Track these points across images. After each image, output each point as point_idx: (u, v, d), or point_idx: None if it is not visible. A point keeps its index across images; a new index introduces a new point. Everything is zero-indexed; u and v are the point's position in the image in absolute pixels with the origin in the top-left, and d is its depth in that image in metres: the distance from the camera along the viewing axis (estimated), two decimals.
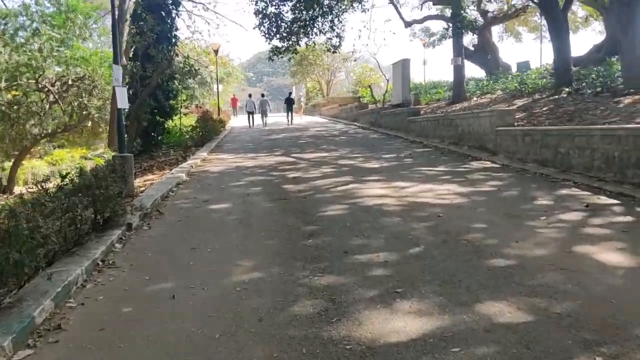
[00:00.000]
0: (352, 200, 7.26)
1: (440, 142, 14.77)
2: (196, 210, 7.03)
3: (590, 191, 7.31)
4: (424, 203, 6.92)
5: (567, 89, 15.43)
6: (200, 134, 17.20)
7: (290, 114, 29.51)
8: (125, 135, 9.66)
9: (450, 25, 22.86)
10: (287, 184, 8.87)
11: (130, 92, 15.73)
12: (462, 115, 13.82)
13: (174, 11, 16.45)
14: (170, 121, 17.73)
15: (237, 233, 5.73)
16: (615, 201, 6.65)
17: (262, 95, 33.50)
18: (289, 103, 29.81)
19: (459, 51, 22.76)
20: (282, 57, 24.97)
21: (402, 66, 22.97)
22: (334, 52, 26.33)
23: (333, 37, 26.03)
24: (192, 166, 11.07)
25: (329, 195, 7.74)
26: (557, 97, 15.61)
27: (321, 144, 16.44)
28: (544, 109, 14.65)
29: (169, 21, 16.20)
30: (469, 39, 35.44)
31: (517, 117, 12.83)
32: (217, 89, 25.44)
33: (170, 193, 8.20)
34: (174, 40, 16.76)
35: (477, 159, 11.30)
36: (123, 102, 7.88)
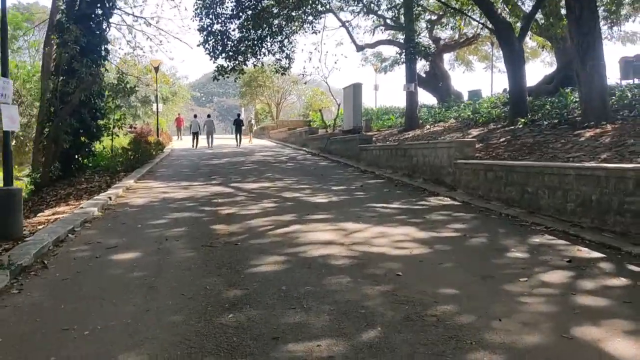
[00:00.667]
0: (292, 249, 5.98)
1: (394, 172, 13.77)
2: (93, 262, 5.55)
3: (567, 240, 6.31)
4: (379, 254, 5.72)
5: (523, 120, 14.84)
6: (132, 157, 15.57)
7: (238, 135, 29.38)
8: (42, 158, 8.21)
9: (403, 50, 22.24)
10: (218, 223, 7.51)
11: (51, 110, 14.06)
12: (417, 146, 12.88)
13: (105, 22, 14.91)
14: (98, 143, 16.01)
15: (136, 301, 4.33)
16: (600, 254, 5.65)
17: (208, 116, 32.98)
18: (238, 124, 29.81)
19: (412, 77, 22.13)
20: (227, 77, 23.64)
21: (354, 91, 22.10)
22: (282, 73, 25.23)
23: (282, 58, 24.98)
24: (110, 197, 9.51)
25: (265, 240, 6.44)
26: (513, 127, 14.98)
27: (266, 171, 15.15)
28: (501, 140, 13.93)
29: (98, 32, 14.64)
30: (421, 66, 35.19)
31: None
32: (157, 108, 23.80)
33: (70, 235, 6.67)
34: (104, 53, 15.18)
35: (434, 194, 10.29)
36: (11, 123, 6.35)
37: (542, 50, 31.75)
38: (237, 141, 29.09)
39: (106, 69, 16.16)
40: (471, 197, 9.62)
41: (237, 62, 23.74)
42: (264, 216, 8.01)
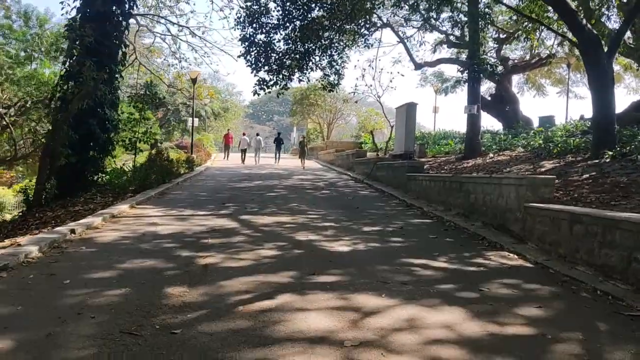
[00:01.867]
0: (256, 351, 3.63)
1: (446, 210, 11.19)
2: None
3: None
4: None
5: (610, 153, 11.99)
6: (144, 177, 13.75)
7: (278, 153, 31.49)
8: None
9: (466, 69, 19.62)
10: (179, 283, 5.26)
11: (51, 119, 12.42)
12: (476, 180, 10.25)
13: (123, 23, 13.24)
14: (110, 157, 14.32)
15: None
16: None
17: (257, 135, 37.00)
18: (278, 143, 31.63)
19: (475, 99, 19.44)
20: (269, 92, 21.75)
21: (407, 111, 19.63)
22: (330, 90, 23.13)
23: (331, 74, 22.95)
24: (73, 230, 7.48)
25: (224, 327, 4.11)
26: (598, 161, 12.13)
27: (293, 199, 12.92)
28: (584, 176, 11.13)
29: (114, 34, 12.97)
30: (486, 88, 32.39)
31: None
32: (192, 123, 22.14)
33: None
34: (120, 57, 13.52)
35: (496, 246, 7.67)
36: None
37: (626, 74, 28.22)
38: (275, 159, 31.14)
39: (121, 76, 14.52)
40: (547, 256, 6.96)
41: (280, 77, 21.91)
42: (250, 274, 5.70)
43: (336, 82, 22.94)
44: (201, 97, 29.30)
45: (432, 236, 8.54)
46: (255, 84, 21.35)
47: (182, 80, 30.03)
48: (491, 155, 18.33)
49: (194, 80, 22.25)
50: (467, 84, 19.82)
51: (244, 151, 31.74)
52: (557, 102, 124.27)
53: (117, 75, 13.62)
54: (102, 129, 12.93)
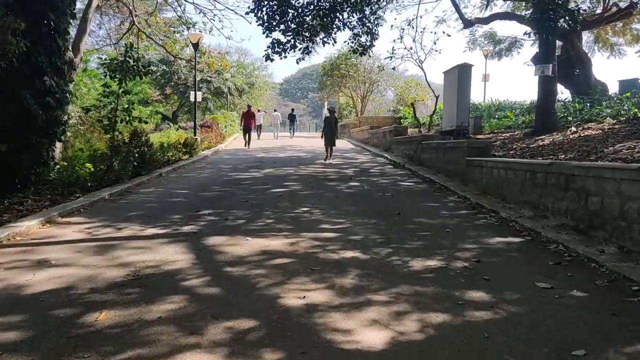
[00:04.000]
0: None
1: (538, 217, 7.11)
2: None
3: None
4: None
5: None
6: (109, 166, 10.10)
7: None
8: None
9: (537, 15, 15.14)
10: None
11: None
12: (603, 172, 6.01)
13: None
14: (58, 143, 10.70)
15: None
16: None
17: (275, 110, 38.23)
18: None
19: (549, 56, 15.00)
20: (285, 57, 17.74)
21: (459, 75, 15.33)
22: (362, 53, 18.92)
23: (362, 33, 18.77)
24: None
25: None
26: None
27: (305, 200, 9.03)
28: None
29: None
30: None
31: None
32: (195, 96, 18.34)
33: None
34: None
35: None
36: None
37: None
38: (291, 134, 33.95)
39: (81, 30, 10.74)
40: None
41: (300, 38, 17.90)
42: None
43: (369, 43, 18.74)
44: (213, 67, 25.61)
45: (543, 285, 4.50)
46: (268, 46, 17.36)
47: (205, 55, 26.20)
48: (573, 129, 13.93)
49: (195, 45, 18.45)
50: (538, 38, 15.38)
51: (259, 127, 33.15)
52: (636, 64, 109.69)
53: (65, 26, 9.90)
54: (41, 105, 9.28)
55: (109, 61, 13.01)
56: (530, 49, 35.12)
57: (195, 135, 18.74)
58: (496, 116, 20.66)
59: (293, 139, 30.19)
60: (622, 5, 22.13)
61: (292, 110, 37.38)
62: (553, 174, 7.00)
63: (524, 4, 25.64)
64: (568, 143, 12.09)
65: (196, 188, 10.36)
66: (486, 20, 22.75)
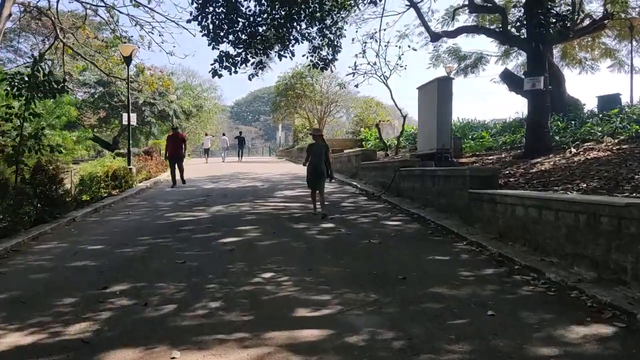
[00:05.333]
0: None
1: (611, 281, 4.80)
2: None
3: None
4: None
5: None
6: None
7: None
8: None
9: (524, 22, 13.36)
10: None
11: None
12: None
13: None
14: None
15: None
16: None
17: (223, 134, 37.86)
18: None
19: (540, 66, 13.15)
20: (235, 72, 15.25)
21: (440, 90, 13.27)
22: (323, 69, 16.69)
23: (323, 46, 16.58)
24: None
25: None
26: None
27: (267, 257, 6.48)
28: None
29: None
30: (516, 64, 26.22)
31: None
32: (129, 118, 15.51)
33: None
34: None
35: None
36: None
37: None
38: (239, 157, 34.41)
39: None
40: None
41: (252, 51, 15.57)
42: None
43: (331, 57, 16.55)
44: (152, 87, 22.83)
45: None
46: (216, 60, 14.88)
47: (143, 73, 23.29)
48: (572, 150, 12.05)
49: (127, 59, 15.71)
50: (527, 46, 13.57)
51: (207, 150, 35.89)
52: (607, 80, 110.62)
53: None
54: None
55: (10, 76, 10.29)
56: (494, 66, 33.86)
57: (129, 164, 15.86)
58: (470, 136, 18.78)
59: (245, 165, 27.59)
60: (596, 17, 20.91)
61: (240, 133, 38.13)
62: (633, 220, 4.76)
63: (488, 17, 24.31)
64: (577, 167, 10.10)
65: (116, 240, 7.64)
66: (453, 34, 21.02)
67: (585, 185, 8.49)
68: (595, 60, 25.78)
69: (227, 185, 16.37)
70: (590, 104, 21.47)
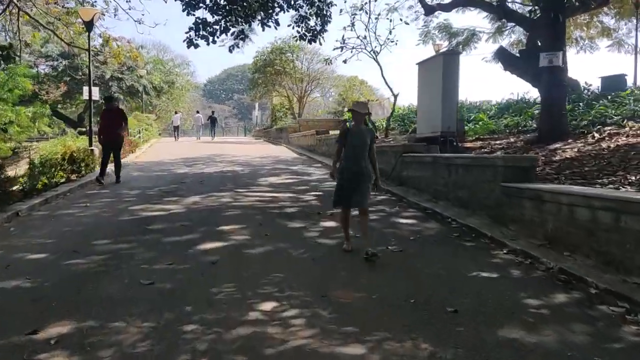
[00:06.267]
0: None
1: None
2: None
3: None
4: None
5: None
6: None
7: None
8: None
9: None
10: None
11: None
12: None
13: None
14: None
15: None
16: None
17: (197, 112, 37.06)
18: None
19: (559, 41, 11.78)
20: (214, 43, 13.47)
21: (445, 66, 11.78)
22: (311, 41, 15.06)
23: (311, 14, 14.93)
24: None
25: None
26: None
27: (262, 275, 4.89)
28: None
29: None
30: (510, 41, 24.86)
31: None
32: (90, 92, 13.56)
33: None
34: None
35: None
36: None
37: None
38: (211, 136, 34.23)
39: None
40: None
41: (233, 19, 13.84)
42: None
43: (319, 27, 14.92)
44: (119, 59, 20.72)
45: None
46: (191, 27, 13.10)
47: (109, 44, 21.04)
48: (596, 135, 10.75)
49: (88, 24, 13.65)
50: (540, 16, 12.17)
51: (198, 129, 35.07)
52: (606, 60, 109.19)
53: None
54: None
55: None
56: (485, 44, 32.51)
57: (91, 145, 13.97)
58: (467, 119, 17.40)
59: (221, 145, 25.81)
60: None
61: (213, 112, 37.59)
62: None
63: None
64: (611, 156, 8.78)
65: (65, 246, 5.97)
66: (448, 7, 19.45)
67: (634, 178, 7.17)
68: (592, 40, 24.58)
69: (203, 169, 14.66)
70: (590, 85, 20.31)
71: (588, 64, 48.65)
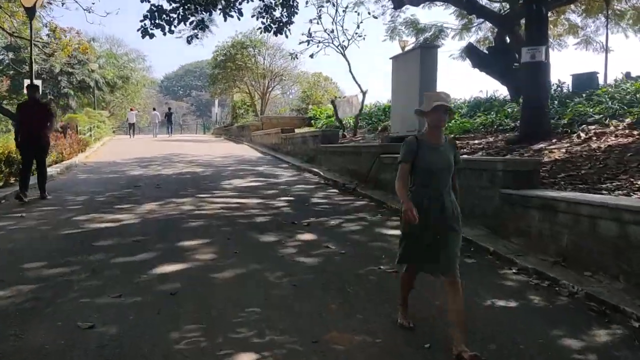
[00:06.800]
0: None
1: None
2: None
3: None
4: None
5: None
6: None
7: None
8: None
9: None
10: None
11: None
12: None
13: None
14: None
15: None
16: None
17: (154, 109, 36.66)
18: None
19: (542, 35, 11.19)
20: (171, 33, 12.34)
21: (423, 60, 11.04)
22: (277, 33, 14.11)
23: (277, 4, 13.97)
24: None
25: None
26: None
27: (236, 312, 3.92)
28: None
29: None
30: (477, 39, 24.48)
31: None
32: (32, 79, 12.15)
33: None
34: None
35: None
36: None
37: None
38: (169, 133, 33.68)
39: None
40: None
41: (192, 6, 12.75)
42: None
43: (285, 19, 13.97)
44: (67, 51, 19.23)
45: None
46: (145, 15, 11.92)
47: (56, 34, 19.34)
48: (581, 135, 10.18)
49: (29, 11, 12.19)
50: (525, 8, 11.55)
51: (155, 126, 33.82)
52: (575, 58, 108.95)
53: None
54: None
55: None
56: (451, 41, 32.12)
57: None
58: None
59: (179, 144, 24.50)
60: None
61: (169, 109, 38.02)
62: None
63: None
64: (605, 157, 8.19)
65: None
66: (417, 1, 18.87)
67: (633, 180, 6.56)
68: (560, 37, 24.47)
69: (160, 171, 13.47)
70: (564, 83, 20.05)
71: (558, 62, 49.25)
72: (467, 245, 5.95)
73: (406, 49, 25.99)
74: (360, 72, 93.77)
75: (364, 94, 17.78)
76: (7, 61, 31.04)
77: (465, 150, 11.24)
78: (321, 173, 12.38)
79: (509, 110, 14.26)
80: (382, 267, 5.17)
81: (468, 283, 4.68)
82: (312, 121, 23.69)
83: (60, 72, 30.29)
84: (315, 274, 4.93)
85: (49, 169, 12.45)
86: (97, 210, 7.91)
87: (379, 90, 57.32)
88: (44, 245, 5.84)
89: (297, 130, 18.77)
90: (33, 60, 22.67)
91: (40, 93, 9.02)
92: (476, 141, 12.09)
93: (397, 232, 6.67)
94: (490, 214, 6.33)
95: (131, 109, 34.69)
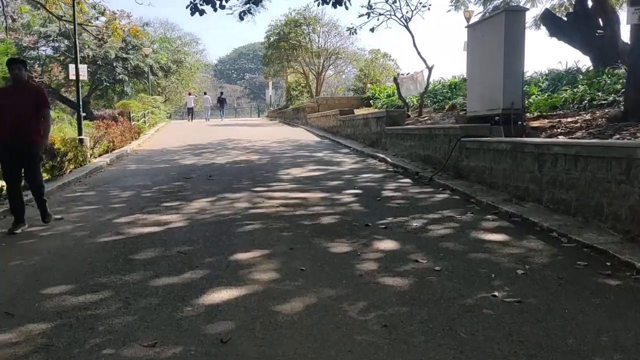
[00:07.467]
0: None
1: None
2: None
3: None
4: None
5: None
6: None
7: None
8: None
9: None
10: None
11: None
12: None
13: None
14: None
15: None
16: None
17: (205, 93, 37.28)
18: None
19: None
20: (222, 8, 11.28)
21: (507, 27, 9.49)
22: (335, 4, 12.80)
23: None
24: None
25: None
26: None
27: None
28: None
29: None
30: (554, 4, 22.26)
31: None
32: (77, 72, 11.47)
33: None
34: None
35: None
36: None
37: None
38: (221, 117, 34.24)
39: None
40: None
41: None
42: None
43: None
44: (117, 36, 18.69)
45: None
46: None
47: (107, 17, 18.76)
48: None
49: None
50: None
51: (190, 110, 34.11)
52: None
53: None
54: None
55: None
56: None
57: (80, 134, 11.90)
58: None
59: (233, 128, 23.77)
60: None
61: (222, 93, 38.16)
62: None
63: None
64: None
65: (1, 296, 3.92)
66: None
67: None
68: None
69: (214, 159, 12.56)
70: None
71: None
72: (597, 256, 4.57)
73: (471, 20, 24.05)
74: (424, 47, 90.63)
75: (430, 69, 16.23)
76: (63, 48, 31.17)
77: (559, 130, 9.66)
78: (388, 159, 11.09)
79: (603, 82, 12.41)
80: (496, 293, 3.89)
81: (633, 324, 3.35)
82: (371, 101, 22.30)
83: (115, 57, 30.10)
84: (410, 306, 3.71)
85: (97, 160, 11.79)
86: (141, 210, 6.98)
87: (443, 66, 54.83)
88: (72, 261, 4.90)
89: (356, 112, 17.48)
90: (86, 45, 22.16)
91: (27, 70, 6.40)
92: (569, 119, 10.44)
93: (499, 237, 5.36)
94: (626, 215, 4.89)
95: (189, 93, 34.68)
